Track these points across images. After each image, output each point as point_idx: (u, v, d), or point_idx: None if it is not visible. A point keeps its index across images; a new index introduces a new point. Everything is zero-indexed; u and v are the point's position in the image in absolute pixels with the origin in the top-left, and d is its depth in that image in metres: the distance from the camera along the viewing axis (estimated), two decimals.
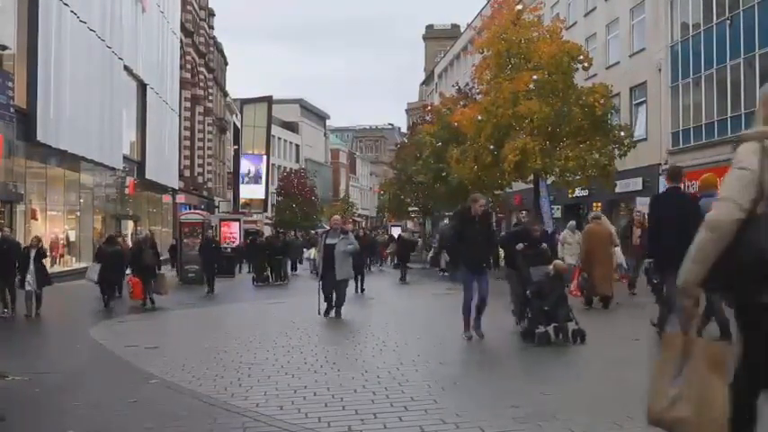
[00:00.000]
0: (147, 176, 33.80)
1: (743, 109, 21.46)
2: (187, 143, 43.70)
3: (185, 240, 23.20)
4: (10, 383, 6.78)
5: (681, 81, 24.81)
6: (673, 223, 7.07)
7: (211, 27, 52.08)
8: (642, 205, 23.76)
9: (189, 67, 43.73)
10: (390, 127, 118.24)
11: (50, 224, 24.20)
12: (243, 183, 53.40)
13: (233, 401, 5.79)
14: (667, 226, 7.15)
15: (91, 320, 12.65)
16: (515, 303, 9.61)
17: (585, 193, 27.79)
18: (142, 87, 33.35)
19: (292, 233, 37.72)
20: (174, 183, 39.19)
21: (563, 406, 5.35)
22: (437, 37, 79.24)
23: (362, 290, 17.42)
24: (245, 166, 54.00)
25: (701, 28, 23.56)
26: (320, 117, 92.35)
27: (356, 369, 7.08)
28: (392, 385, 6.18)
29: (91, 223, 27.81)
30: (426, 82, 74.98)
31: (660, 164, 25.76)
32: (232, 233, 29.19)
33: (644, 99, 27.52)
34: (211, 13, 52.27)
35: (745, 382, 2.81)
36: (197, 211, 31.03)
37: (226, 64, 60.81)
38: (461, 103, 31.46)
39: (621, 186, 25.36)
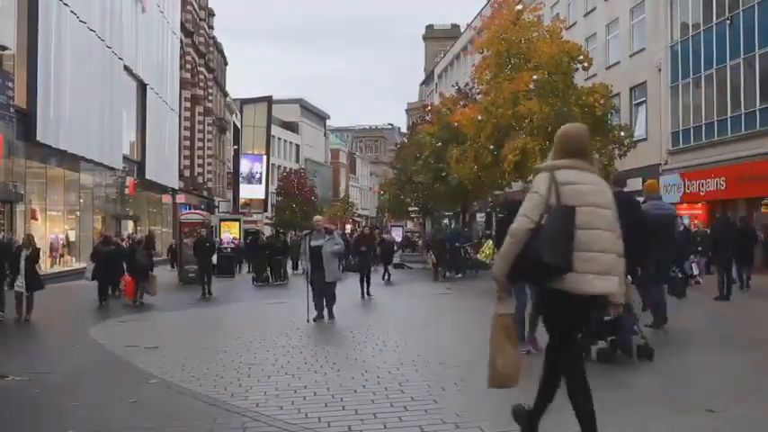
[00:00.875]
0: (147, 176, 33.80)
1: (743, 109, 21.47)
2: (187, 143, 43.69)
3: (185, 240, 23.18)
4: (10, 383, 6.78)
5: (681, 81, 24.81)
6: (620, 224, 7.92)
7: (211, 27, 52.08)
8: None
9: (189, 67, 43.73)
10: (390, 127, 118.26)
11: (50, 224, 24.20)
12: (242, 183, 53.45)
13: (233, 401, 5.79)
14: None
15: (91, 320, 12.65)
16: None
17: None
18: (142, 87, 33.34)
19: (292, 233, 37.74)
20: (174, 183, 39.18)
21: (563, 406, 5.35)
22: (437, 37, 79.27)
23: (369, 293, 15.89)
24: (245, 166, 54.03)
25: (701, 28, 23.57)
26: (320, 117, 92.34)
27: (356, 369, 7.07)
28: (392, 385, 6.18)
29: (91, 223, 27.80)
30: (426, 82, 74.99)
31: (660, 164, 25.78)
32: (232, 238, 29.18)
33: (644, 99, 27.53)
34: (211, 13, 52.26)
35: (550, 341, 4.01)
36: (197, 211, 31.02)
37: (226, 64, 60.81)
38: (461, 103, 31.45)
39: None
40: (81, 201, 27.26)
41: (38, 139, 20.91)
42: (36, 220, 22.48)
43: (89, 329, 11.04)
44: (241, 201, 52.82)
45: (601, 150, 22.19)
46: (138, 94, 33.28)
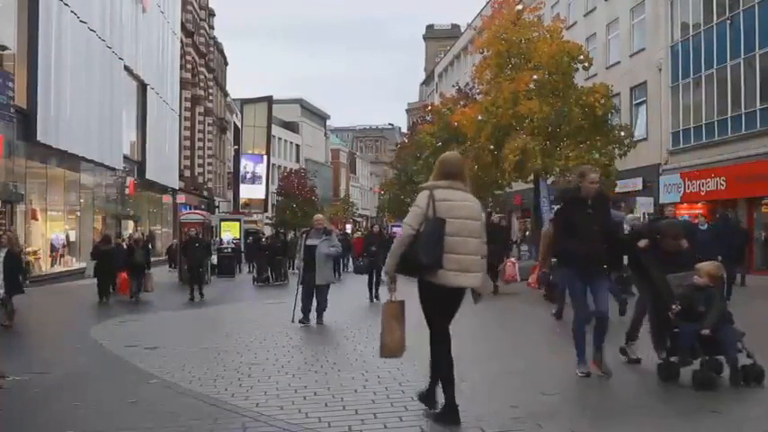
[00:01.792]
0: (148, 176, 33.79)
1: (743, 109, 21.46)
2: (187, 143, 43.68)
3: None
4: (10, 383, 6.78)
5: (681, 81, 24.80)
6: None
7: (211, 27, 52.08)
8: (643, 205, 23.86)
9: (189, 67, 43.72)
10: (390, 127, 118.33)
11: (51, 224, 24.20)
12: (243, 183, 53.46)
13: (233, 401, 5.78)
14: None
15: (91, 320, 12.65)
16: (652, 325, 6.69)
17: None
18: (142, 87, 33.33)
19: (292, 233, 37.73)
20: (175, 183, 39.17)
21: (563, 406, 5.35)
22: (437, 37, 79.38)
23: (377, 297, 14.33)
24: (246, 166, 54.03)
25: (702, 28, 23.56)
26: (320, 117, 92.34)
27: (356, 369, 7.07)
28: (392, 385, 6.18)
29: (91, 223, 27.79)
30: (426, 82, 75.01)
31: (660, 164, 25.78)
32: (233, 238, 29.21)
33: (644, 99, 27.52)
34: (211, 13, 52.26)
35: (430, 327, 4.97)
36: (197, 211, 31.03)
37: (226, 64, 60.79)
38: (462, 102, 31.47)
39: (622, 186, 25.37)
40: (81, 201, 27.25)
41: (38, 139, 20.89)
42: (36, 220, 22.49)
43: (89, 329, 11.03)
44: (241, 201, 52.85)
45: (601, 150, 22.19)
46: (138, 94, 33.27)
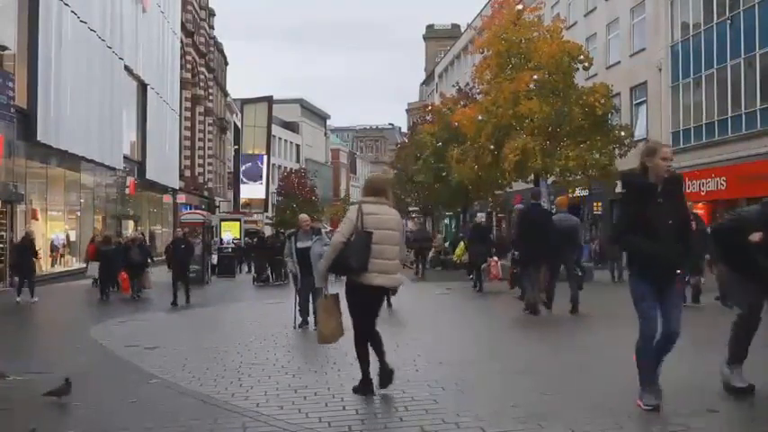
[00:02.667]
0: (148, 176, 33.80)
1: (743, 109, 21.45)
2: (187, 143, 43.70)
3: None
4: (10, 383, 6.77)
5: (681, 81, 24.80)
6: (534, 230, 10.57)
7: (212, 27, 52.10)
8: None
9: (189, 67, 43.74)
10: (390, 127, 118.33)
11: (51, 224, 24.20)
12: (243, 182, 53.47)
13: (233, 401, 5.78)
14: (530, 231, 9.60)
15: (91, 320, 12.64)
16: (737, 328, 5.55)
17: (586, 193, 27.78)
18: (142, 87, 33.35)
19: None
20: (175, 183, 39.18)
21: (563, 406, 5.34)
22: (437, 37, 79.22)
23: (390, 304, 12.20)
24: (246, 166, 54.06)
25: (702, 28, 23.55)
26: (320, 117, 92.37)
27: (356, 369, 7.02)
28: (392, 385, 6.17)
29: (91, 223, 27.80)
30: (427, 82, 74.96)
31: None
32: (233, 238, 29.20)
33: (644, 99, 27.51)
34: (211, 13, 52.29)
35: (357, 324, 5.81)
36: (197, 211, 31.01)
37: (226, 64, 60.81)
38: (462, 102, 31.48)
39: (622, 186, 25.41)
40: (81, 201, 27.27)
41: (38, 139, 20.91)
42: (36, 220, 22.50)
43: (89, 329, 11.02)
44: (241, 201, 52.86)
45: (601, 150, 22.20)
46: (138, 94, 33.29)
